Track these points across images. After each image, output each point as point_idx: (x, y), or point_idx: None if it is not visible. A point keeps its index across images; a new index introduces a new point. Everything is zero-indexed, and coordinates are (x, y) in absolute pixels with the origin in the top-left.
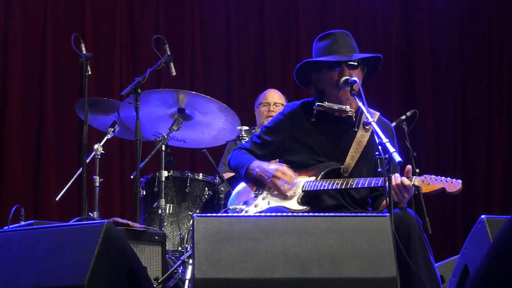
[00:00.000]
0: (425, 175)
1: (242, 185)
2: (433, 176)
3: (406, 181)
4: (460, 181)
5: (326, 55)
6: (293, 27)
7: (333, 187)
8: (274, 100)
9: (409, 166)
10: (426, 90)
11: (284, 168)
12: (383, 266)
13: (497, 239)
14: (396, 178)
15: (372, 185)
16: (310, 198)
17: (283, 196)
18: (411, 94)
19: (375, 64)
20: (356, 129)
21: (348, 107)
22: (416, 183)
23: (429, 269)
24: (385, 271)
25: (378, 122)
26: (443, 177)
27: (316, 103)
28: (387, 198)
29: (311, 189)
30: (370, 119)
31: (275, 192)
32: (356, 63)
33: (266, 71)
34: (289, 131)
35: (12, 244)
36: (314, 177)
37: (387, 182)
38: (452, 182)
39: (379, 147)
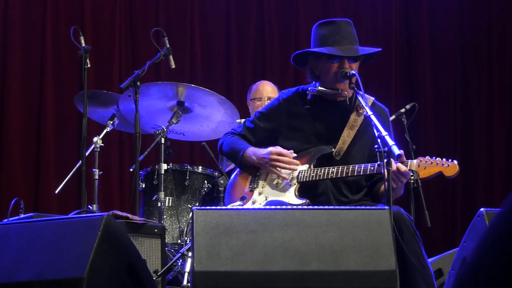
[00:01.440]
0: (420, 158)
1: (233, 178)
2: (427, 157)
3: (402, 167)
4: (456, 162)
5: (328, 44)
6: (293, 19)
7: (329, 177)
8: (267, 94)
9: (401, 151)
10: (425, 83)
11: (278, 148)
12: (383, 259)
13: (489, 229)
14: (392, 165)
15: (368, 172)
16: (306, 188)
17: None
18: (411, 87)
19: (372, 53)
20: (349, 114)
21: (341, 89)
22: (413, 168)
23: (423, 265)
24: (385, 264)
25: (373, 108)
26: (438, 158)
27: (310, 88)
28: (385, 187)
29: (307, 179)
30: (369, 113)
31: (271, 186)
32: (356, 58)
33: (266, 64)
34: (283, 118)
35: (12, 237)
36: (307, 165)
37: (385, 172)
38: (448, 165)
39: (378, 140)
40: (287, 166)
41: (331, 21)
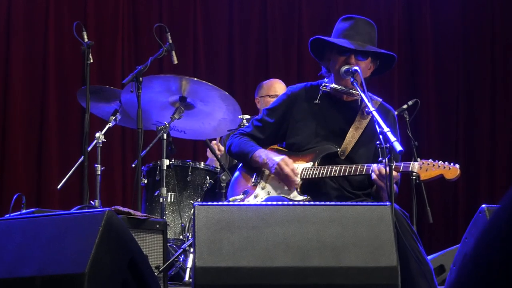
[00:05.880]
0: (422, 160)
1: (238, 174)
2: (430, 160)
3: (383, 171)
4: (458, 166)
5: (341, 38)
6: (296, 16)
7: (332, 175)
8: (281, 92)
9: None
10: (428, 79)
11: (289, 160)
12: (384, 255)
13: (488, 226)
14: (375, 169)
15: (370, 172)
16: (309, 185)
17: (286, 184)
18: (413, 83)
19: (388, 60)
20: (356, 114)
21: (354, 90)
22: (414, 170)
23: (421, 261)
24: (386, 260)
25: (380, 109)
26: (440, 162)
27: (324, 84)
28: (376, 188)
29: (310, 177)
30: (371, 109)
31: (275, 181)
32: (365, 55)
33: (269, 60)
34: (291, 112)
35: (14, 232)
36: (311, 163)
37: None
38: (450, 168)
39: (380, 136)
40: (288, 178)
41: (352, 17)
